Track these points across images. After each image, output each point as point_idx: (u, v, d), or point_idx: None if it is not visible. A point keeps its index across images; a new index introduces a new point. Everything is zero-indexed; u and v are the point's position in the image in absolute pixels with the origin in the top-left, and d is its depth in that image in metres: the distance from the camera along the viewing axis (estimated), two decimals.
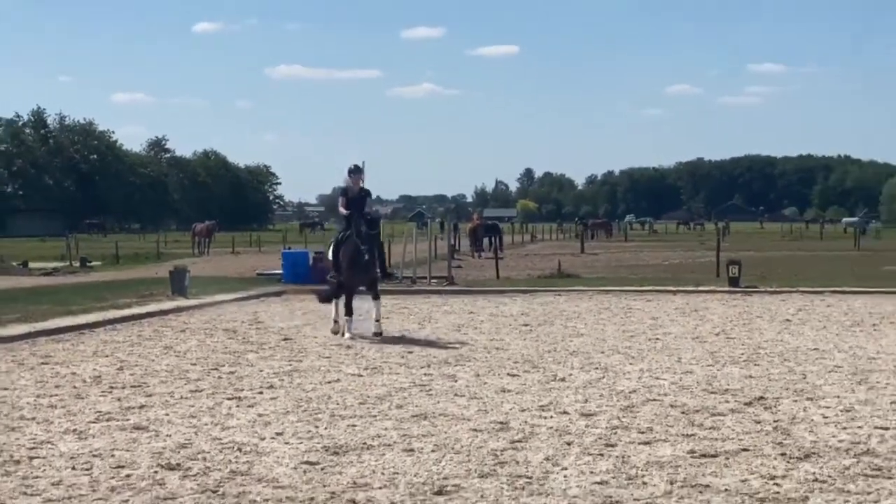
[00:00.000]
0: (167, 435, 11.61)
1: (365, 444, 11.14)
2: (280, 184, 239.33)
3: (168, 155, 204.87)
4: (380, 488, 9.33)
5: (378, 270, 21.67)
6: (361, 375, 15.98)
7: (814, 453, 10.65)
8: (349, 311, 20.71)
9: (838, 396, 14.03)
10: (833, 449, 10.85)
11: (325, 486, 9.42)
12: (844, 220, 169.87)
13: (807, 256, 59.07)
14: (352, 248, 20.54)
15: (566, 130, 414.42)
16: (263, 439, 11.38)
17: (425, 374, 16.05)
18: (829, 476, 9.73)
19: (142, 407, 13.31)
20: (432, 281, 35.86)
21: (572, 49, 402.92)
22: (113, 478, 9.68)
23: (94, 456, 10.56)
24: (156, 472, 9.94)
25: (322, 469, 10.06)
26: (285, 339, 20.41)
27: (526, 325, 23.04)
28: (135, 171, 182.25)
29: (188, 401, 13.76)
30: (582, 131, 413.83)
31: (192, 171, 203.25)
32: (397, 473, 9.85)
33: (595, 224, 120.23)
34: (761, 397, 13.92)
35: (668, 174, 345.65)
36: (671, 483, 9.49)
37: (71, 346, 19.46)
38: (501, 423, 12.27)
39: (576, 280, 36.87)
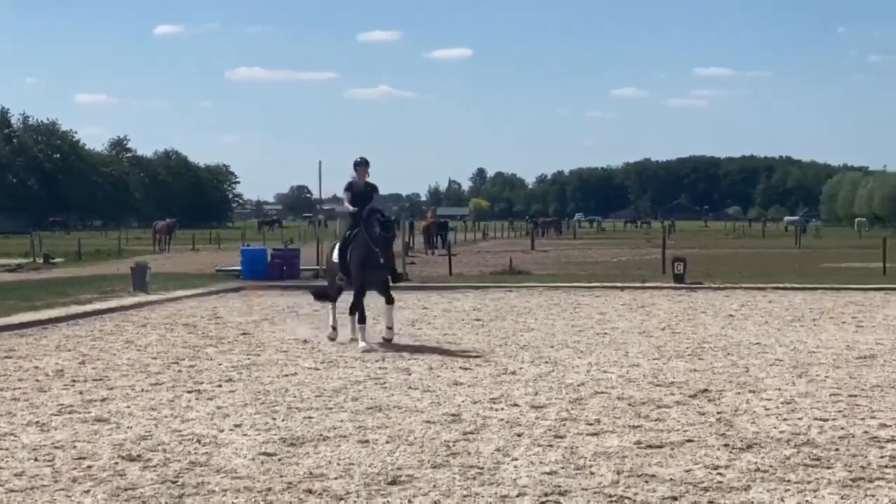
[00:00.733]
0: (128, 427, 11.56)
1: (321, 435, 11.13)
2: (239, 183, 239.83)
3: (129, 154, 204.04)
4: (335, 479, 9.32)
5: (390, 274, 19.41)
6: (318, 369, 15.97)
7: (756, 444, 10.72)
8: (363, 319, 18.38)
9: (779, 389, 14.11)
10: (774, 440, 10.92)
11: (282, 476, 9.40)
12: (785, 218, 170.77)
13: (749, 254, 59.45)
14: (363, 249, 18.23)
15: (517, 131, 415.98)
16: (222, 431, 11.36)
17: (380, 368, 16.05)
18: (771, 466, 9.79)
19: (103, 400, 13.25)
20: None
21: (524, 52, 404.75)
22: (75, 469, 9.64)
23: (57, 448, 10.51)
24: (117, 463, 9.90)
25: (279, 460, 10.04)
26: (244, 334, 20.36)
27: (478, 319, 23.07)
28: (97, 171, 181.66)
29: (149, 394, 13.71)
30: (532, 132, 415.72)
31: (153, 170, 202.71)
32: (352, 464, 9.84)
33: (545, 222, 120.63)
34: (705, 390, 13.98)
35: (616, 174, 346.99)
36: (618, 473, 9.52)
37: (34, 340, 19.35)
38: (454, 415, 12.28)
39: (526, 276, 36.92)
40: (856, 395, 13.60)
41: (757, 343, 18.98)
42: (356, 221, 18.57)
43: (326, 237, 46.00)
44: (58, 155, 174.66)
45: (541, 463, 9.90)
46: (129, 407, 12.75)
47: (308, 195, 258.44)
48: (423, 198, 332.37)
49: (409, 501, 8.59)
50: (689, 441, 10.87)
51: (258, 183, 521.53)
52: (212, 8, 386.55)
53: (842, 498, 8.70)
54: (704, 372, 15.61)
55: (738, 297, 28.80)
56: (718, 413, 12.38)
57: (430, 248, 58.42)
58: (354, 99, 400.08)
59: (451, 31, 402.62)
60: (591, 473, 9.52)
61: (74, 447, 10.54)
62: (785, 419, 12.03)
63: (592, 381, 14.66)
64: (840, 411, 12.52)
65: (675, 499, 8.67)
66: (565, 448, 10.55)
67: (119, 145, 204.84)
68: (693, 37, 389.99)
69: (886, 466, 9.77)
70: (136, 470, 9.63)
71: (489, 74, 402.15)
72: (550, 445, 10.68)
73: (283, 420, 11.97)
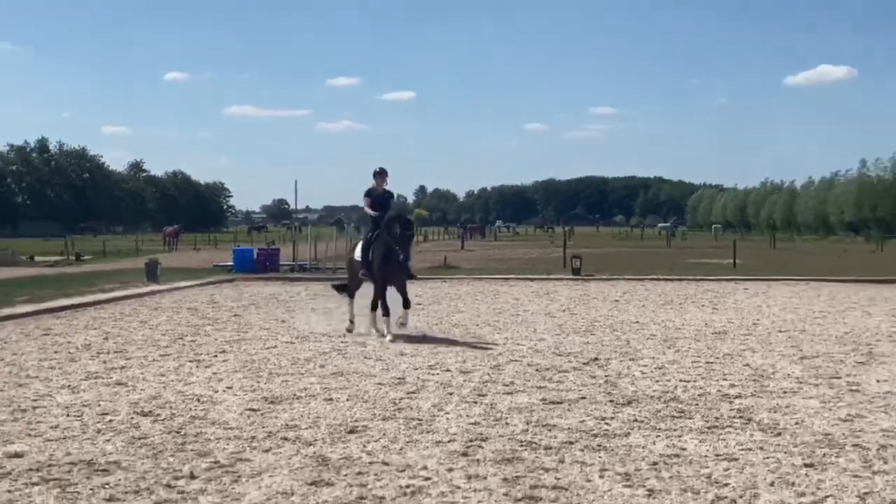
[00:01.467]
0: (142, 389, 11.46)
1: (295, 395, 11.08)
2: (232, 196, 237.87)
3: (145, 174, 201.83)
4: (306, 428, 9.28)
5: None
6: (293, 343, 15.89)
7: (634, 400, 10.77)
8: (386, 312, 16.62)
9: (653, 357, 14.19)
10: (649, 397, 10.98)
11: (264, 427, 9.36)
12: (659, 225, 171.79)
13: (631, 252, 59.71)
14: (384, 248, 16.51)
15: (451, 156, 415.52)
16: (216, 392, 11.28)
17: (342, 342, 15.99)
18: (646, 417, 9.84)
19: (122, 368, 13.12)
20: None
21: (455, 95, 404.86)
22: (99, 422, 9.55)
23: (84, 406, 10.41)
24: (132, 417, 9.82)
25: (262, 414, 9.99)
26: (235, 316, 20.22)
27: (419, 304, 23.02)
28: (119, 187, 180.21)
29: (158, 363, 13.59)
30: (463, 157, 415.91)
31: (163, 186, 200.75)
32: (319, 417, 9.80)
33: (472, 228, 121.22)
34: (595, 358, 14.03)
35: (528, 190, 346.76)
36: (527, 423, 9.54)
37: (67, 321, 19.11)
38: (400, 378, 12.26)
39: (457, 270, 36.93)
40: (712, 362, 13.70)
41: (636, 321, 19.09)
42: (377, 224, 16.88)
43: (301, 240, 45.70)
44: (87, 175, 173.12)
45: (467, 416, 9.90)
46: (142, 373, 12.64)
47: (286, 206, 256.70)
48: None
49: (364, 446, 8.57)
50: (583, 398, 10.91)
51: (247, 196, 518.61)
52: (210, 59, 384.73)
53: (700, 442, 8.76)
54: (595, 344, 15.68)
55: (621, 286, 28.96)
56: (605, 376, 12.43)
57: None
58: (323, 131, 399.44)
59: (399, 78, 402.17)
60: (507, 424, 9.53)
61: (99, 405, 10.44)
62: (657, 381, 12.10)
63: (508, 351, 14.69)
64: (699, 374, 12.61)
65: (571, 443, 8.69)
66: (486, 404, 10.55)
67: (136, 167, 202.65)
68: (587, 83, 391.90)
69: (734, 417, 9.85)
70: (148, 423, 9.56)
71: (429, 112, 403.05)
72: (475, 402, 10.68)
73: (265, 383, 11.91)
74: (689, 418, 9.80)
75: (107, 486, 7.32)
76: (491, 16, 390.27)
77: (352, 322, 17.39)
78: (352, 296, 17.85)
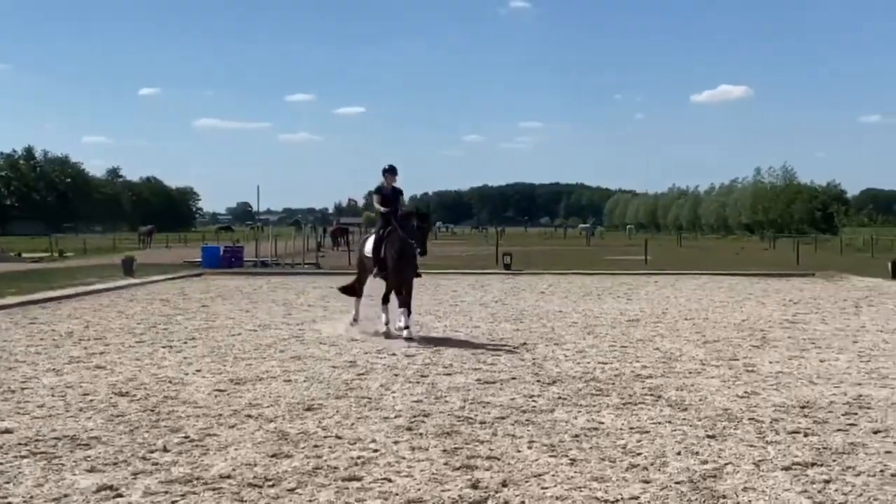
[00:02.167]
0: (119, 372, 11.32)
1: (258, 377, 11.01)
2: (200, 199, 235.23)
3: (121, 179, 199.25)
4: (268, 406, 9.22)
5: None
6: (256, 330, 15.77)
7: (558, 380, 10.82)
8: (405, 305, 14.99)
9: (575, 342, 14.27)
10: (571, 377, 11.04)
11: (230, 405, 9.28)
12: (580, 226, 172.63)
13: (555, 250, 60.07)
14: (400, 243, 14.81)
15: (397, 164, 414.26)
16: (187, 374, 11.17)
17: (300, 329, 15.91)
18: (568, 395, 9.89)
19: (101, 353, 12.95)
20: (305, 265, 35.81)
21: (400, 109, 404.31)
22: (80, 402, 9.41)
23: (68, 387, 10.25)
24: (111, 397, 9.69)
25: (228, 394, 9.90)
26: (203, 307, 20.03)
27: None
28: (98, 191, 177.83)
29: (134, 348, 13.43)
30: (407, 165, 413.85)
31: (138, 190, 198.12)
32: (280, 397, 9.75)
33: None
34: (524, 343, 14.08)
35: (465, 195, 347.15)
36: (464, 401, 9.55)
37: (51, 310, 18.82)
38: (351, 361, 12.22)
39: None
40: (626, 346, 13.80)
41: (560, 311, 19.18)
42: (388, 221, 15.22)
43: (263, 238, 45.40)
44: (69, 180, 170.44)
45: (411, 395, 9.89)
46: (120, 358, 12.48)
47: (249, 208, 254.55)
48: (331, 210, 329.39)
49: (320, 422, 8.53)
50: (513, 378, 10.95)
51: (214, 199, 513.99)
52: (181, 76, 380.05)
53: (616, 416, 8.82)
54: (524, 331, 15.73)
55: (547, 280, 29.10)
56: (533, 359, 12.47)
57: (336, 246, 58.06)
58: (283, 142, 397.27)
59: (350, 94, 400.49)
60: (446, 401, 9.54)
61: (80, 386, 10.29)
62: (578, 363, 12.17)
63: (447, 337, 14.69)
64: (615, 357, 12.69)
65: (503, 418, 8.71)
66: (428, 384, 10.56)
67: (114, 173, 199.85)
68: (517, 99, 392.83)
69: (646, 395, 9.93)
70: (125, 402, 9.44)
71: (377, 124, 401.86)
72: (418, 382, 10.68)
73: (230, 366, 11.81)
74: (607, 396, 9.86)
75: (88, 459, 7.24)
76: (433, 39, 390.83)
77: (355, 321, 16.01)
78: (359, 295, 16.43)
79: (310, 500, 6.29)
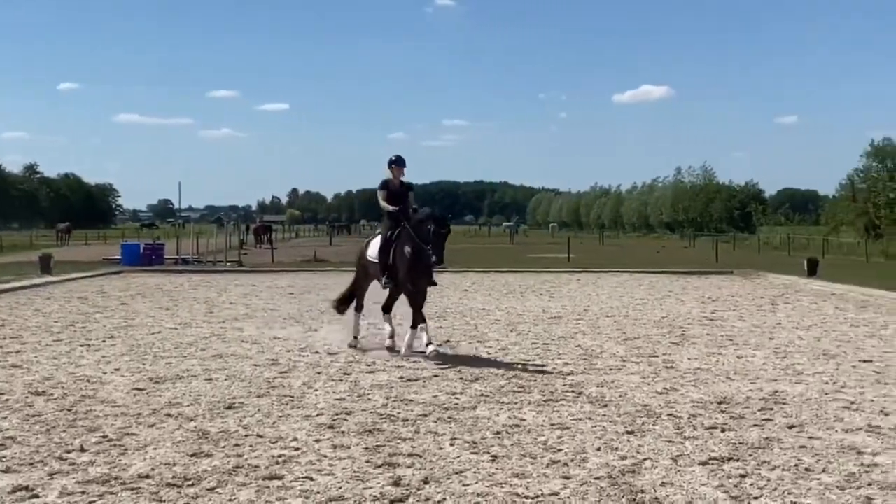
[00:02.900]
0: (36, 371, 11.12)
1: (178, 375, 10.89)
2: (120, 196, 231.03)
3: (39, 176, 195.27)
4: (188, 405, 9.13)
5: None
6: (176, 329, 15.59)
7: (481, 377, 10.88)
8: (421, 319, 12.95)
9: (497, 339, 14.36)
10: (493, 374, 11.11)
11: (149, 404, 9.17)
12: (504, 224, 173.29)
13: (479, 248, 60.37)
14: (411, 247, 12.75)
15: (321, 161, 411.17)
16: (105, 373, 11.01)
17: (221, 327, 15.77)
18: (491, 392, 9.96)
19: (17, 352, 12.71)
20: (228, 263, 35.47)
21: (325, 106, 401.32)
22: None
23: None
24: (27, 397, 9.52)
25: (147, 393, 9.79)
26: (122, 305, 19.74)
27: (291, 293, 22.86)
28: (15, 187, 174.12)
29: (51, 347, 13.19)
30: (331, 162, 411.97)
31: (56, 187, 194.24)
32: (200, 395, 9.66)
33: (339, 226, 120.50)
34: (447, 341, 14.13)
35: None
36: (387, 398, 9.56)
37: None
38: (273, 360, 12.16)
39: (326, 263, 36.71)
40: (548, 344, 13.93)
41: (483, 308, 19.28)
42: (396, 221, 13.16)
43: (184, 236, 44.84)
44: None
45: (334, 392, 9.88)
46: (36, 357, 12.26)
47: (171, 206, 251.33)
48: (254, 208, 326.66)
49: (241, 421, 8.48)
50: (436, 376, 10.99)
51: (134, 196, 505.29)
52: (101, 71, 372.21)
53: (538, 413, 8.90)
54: (447, 329, 15.78)
55: (470, 277, 29.20)
56: (456, 357, 12.53)
57: (259, 244, 57.63)
58: (205, 138, 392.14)
59: (274, 91, 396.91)
60: (369, 399, 9.54)
61: None
62: (501, 360, 12.25)
63: (370, 335, 14.64)
64: (538, 354, 12.82)
65: (425, 415, 8.74)
66: (351, 382, 10.55)
67: (31, 169, 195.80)
68: (441, 98, 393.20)
69: (567, 391, 10.04)
70: (41, 402, 9.28)
71: (300, 121, 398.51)
72: (341, 380, 10.67)
73: (150, 365, 11.67)
74: (529, 393, 9.95)
75: (3, 460, 7.10)
76: (356, 36, 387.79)
77: (356, 338, 13.84)
78: (359, 307, 14.27)
79: (230, 500, 6.25)
